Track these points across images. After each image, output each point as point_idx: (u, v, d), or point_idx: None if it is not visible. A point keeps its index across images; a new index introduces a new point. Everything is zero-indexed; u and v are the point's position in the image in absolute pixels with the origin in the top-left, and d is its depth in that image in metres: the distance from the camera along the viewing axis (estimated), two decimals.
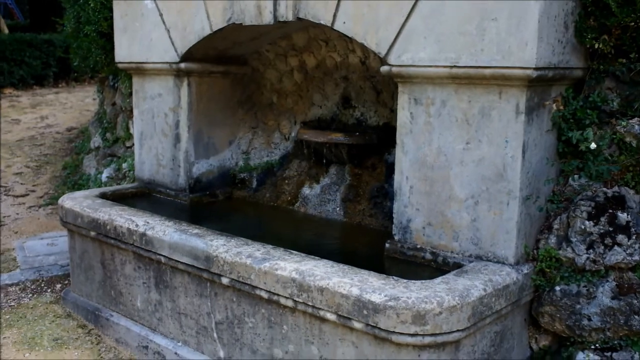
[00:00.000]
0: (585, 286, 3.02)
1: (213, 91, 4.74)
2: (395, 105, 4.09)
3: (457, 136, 3.15)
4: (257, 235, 3.84)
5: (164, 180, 4.83)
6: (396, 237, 3.47)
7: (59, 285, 4.92)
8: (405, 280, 2.80)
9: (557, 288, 3.07)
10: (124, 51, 4.89)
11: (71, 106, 13.74)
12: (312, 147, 4.48)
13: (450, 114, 3.16)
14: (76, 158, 8.30)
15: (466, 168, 3.14)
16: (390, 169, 4.20)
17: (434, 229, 3.30)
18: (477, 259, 3.14)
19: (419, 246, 3.36)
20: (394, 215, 3.48)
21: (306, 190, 4.54)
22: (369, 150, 4.26)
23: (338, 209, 4.31)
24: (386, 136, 4.25)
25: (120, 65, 5.01)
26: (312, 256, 3.12)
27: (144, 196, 4.86)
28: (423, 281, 2.80)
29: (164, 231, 3.62)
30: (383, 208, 4.11)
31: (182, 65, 4.46)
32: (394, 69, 3.28)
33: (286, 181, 4.70)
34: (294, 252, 3.19)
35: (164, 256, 3.60)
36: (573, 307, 3.02)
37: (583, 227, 3.04)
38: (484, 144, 3.07)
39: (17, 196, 7.28)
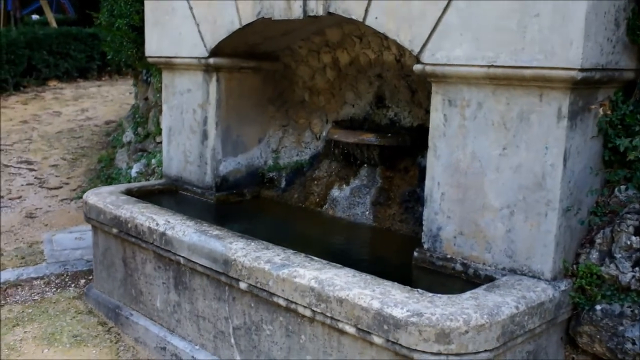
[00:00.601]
0: (629, 307, 2.78)
1: (243, 87, 4.61)
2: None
3: (493, 141, 2.95)
4: (282, 238, 3.71)
5: (191, 178, 4.73)
6: (425, 246, 3.28)
7: (82, 281, 4.86)
8: (430, 294, 2.61)
9: (598, 307, 2.84)
10: (154, 45, 4.80)
11: (112, 99, 13.86)
12: (342, 147, 4.31)
13: (487, 117, 2.96)
14: (112, 152, 8.30)
15: (502, 175, 2.93)
16: (423, 172, 3.98)
17: (465, 239, 3.10)
18: (511, 273, 2.94)
19: (449, 256, 3.17)
20: (423, 223, 3.29)
21: (335, 192, 4.37)
22: (401, 152, 4.08)
23: (367, 212, 4.14)
24: (420, 138, 4.04)
25: (150, 60, 4.93)
26: (334, 264, 2.96)
27: (170, 193, 4.76)
28: (450, 296, 2.61)
29: (183, 231, 3.50)
30: (414, 213, 3.92)
31: (211, 60, 4.34)
32: (428, 68, 3.10)
33: (315, 182, 4.54)
34: (315, 258, 3.03)
35: (182, 257, 3.49)
36: (615, 328, 2.79)
37: (629, 242, 2.80)
38: (522, 150, 2.86)
39: (51, 188, 7.30)
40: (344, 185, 4.37)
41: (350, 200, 4.25)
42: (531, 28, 2.71)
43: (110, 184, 6.77)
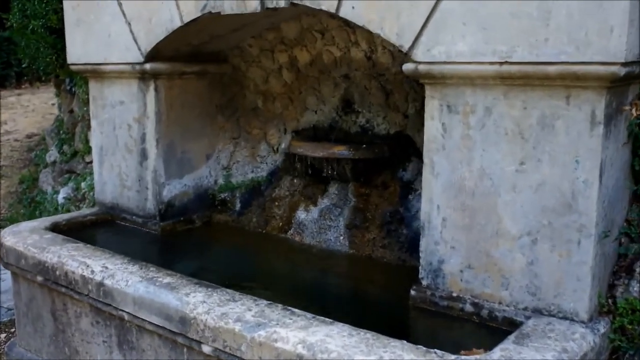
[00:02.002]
0: None
1: (186, 96, 3.97)
2: (410, 109, 3.37)
3: (507, 154, 2.42)
4: (245, 276, 3.18)
5: (130, 205, 4.05)
6: (424, 282, 2.73)
7: (3, 335, 4.12)
8: (453, 357, 2.06)
9: None
10: (78, 50, 4.09)
11: (33, 109, 12.80)
12: (306, 161, 3.73)
13: (498, 125, 2.43)
14: (34, 170, 7.44)
15: (520, 196, 2.41)
16: (405, 188, 3.46)
17: (475, 273, 2.57)
18: (535, 313, 2.42)
19: (455, 294, 2.63)
20: (421, 254, 2.74)
21: (301, 215, 3.78)
22: (378, 165, 3.52)
23: (342, 237, 3.56)
24: (399, 147, 3.51)
25: (73, 67, 4.22)
26: (321, 318, 2.37)
27: (106, 225, 4.07)
28: (478, 358, 2.07)
29: (126, 280, 2.85)
30: (398, 237, 3.38)
31: (148, 65, 3.69)
32: (422, 67, 2.54)
33: (276, 203, 3.94)
34: (296, 311, 2.44)
35: (127, 313, 2.83)
36: None
37: None
38: (544, 165, 2.34)
39: None
40: (311, 206, 3.78)
41: (320, 223, 3.67)
42: (557, 12, 2.18)
43: (34, 210, 5.98)
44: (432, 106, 2.61)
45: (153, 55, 3.67)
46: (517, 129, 2.39)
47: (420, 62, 2.55)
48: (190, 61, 3.89)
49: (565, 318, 2.37)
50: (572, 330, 2.29)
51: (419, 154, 3.45)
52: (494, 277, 2.52)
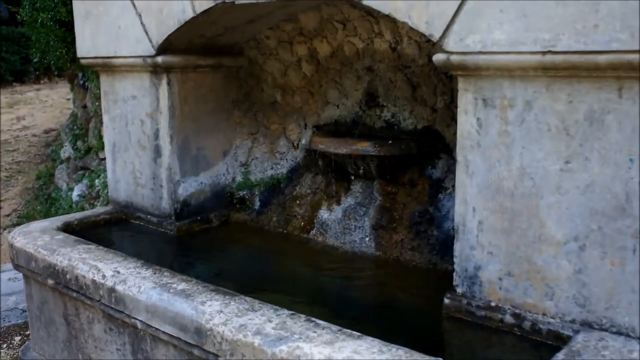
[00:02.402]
0: None
1: (201, 90, 3.78)
2: (438, 103, 3.16)
3: (550, 152, 2.21)
4: (265, 281, 3.01)
5: (144, 204, 3.88)
6: (459, 290, 2.53)
7: (18, 338, 3.99)
8: None
9: None
10: (87, 43, 3.92)
11: (52, 104, 12.74)
12: (330, 158, 3.53)
13: (540, 120, 2.21)
14: (51, 166, 7.32)
15: (566, 197, 2.20)
16: (435, 186, 3.25)
17: (516, 281, 2.36)
18: (585, 327, 2.21)
19: (494, 304, 2.43)
20: (455, 260, 2.54)
21: (324, 214, 3.59)
22: (405, 162, 3.31)
23: (367, 239, 3.37)
24: (427, 143, 3.30)
25: (83, 61, 4.05)
26: (348, 331, 2.18)
27: (120, 224, 3.91)
28: None
29: (139, 287, 2.67)
30: (428, 238, 3.17)
31: (159, 58, 3.50)
32: (454, 58, 2.33)
33: (297, 201, 3.75)
34: (320, 322, 2.25)
35: (140, 321, 2.66)
36: None
37: None
38: (593, 164, 2.12)
39: None
40: (335, 205, 3.59)
41: (344, 223, 3.48)
42: None
43: (50, 206, 5.85)
44: (466, 100, 2.40)
45: (165, 47, 3.49)
46: (561, 125, 2.18)
47: (452, 53, 2.34)
48: (204, 54, 3.71)
49: (619, 333, 2.16)
50: (629, 347, 2.07)
51: (448, 150, 3.25)
52: (537, 286, 2.32)
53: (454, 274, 2.56)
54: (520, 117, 2.26)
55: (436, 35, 2.36)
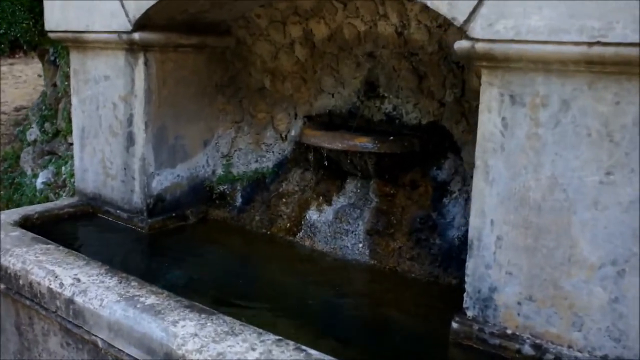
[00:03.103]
0: None
1: (182, 72, 3.43)
2: (447, 96, 2.85)
3: (588, 160, 1.90)
4: (245, 293, 2.71)
5: (114, 197, 3.52)
6: (470, 313, 2.22)
7: None
8: None
9: None
10: (57, 15, 3.54)
11: (25, 80, 12.22)
12: (322, 153, 3.20)
13: (577, 123, 1.90)
14: (19, 147, 6.89)
15: (604, 214, 1.89)
16: (439, 189, 2.94)
17: (537, 307, 2.06)
18: None
19: (510, 331, 2.12)
20: (467, 279, 2.23)
21: (313, 215, 3.26)
22: (407, 161, 2.99)
23: (361, 245, 3.05)
24: (432, 141, 2.98)
25: (52, 35, 3.66)
26: None
27: (86, 219, 3.55)
28: None
29: (101, 299, 2.33)
30: (430, 248, 2.86)
31: (136, 35, 3.14)
32: (480, 46, 2.00)
33: (284, 199, 3.41)
34: (312, 353, 1.93)
35: (101, 339, 2.31)
36: None
37: None
38: None
39: None
40: (325, 205, 3.26)
41: (336, 226, 3.15)
42: None
43: (14, 192, 5.45)
44: (490, 96, 2.07)
45: (143, 23, 3.13)
46: (604, 130, 1.87)
47: (478, 40, 2.02)
48: (187, 32, 3.35)
49: None
50: None
51: (456, 150, 2.94)
52: (563, 314, 2.01)
53: (465, 294, 2.25)
54: (554, 119, 1.95)
55: (460, 18, 2.04)
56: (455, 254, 2.80)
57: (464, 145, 2.92)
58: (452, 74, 2.93)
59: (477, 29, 2.01)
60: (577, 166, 1.93)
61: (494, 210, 2.12)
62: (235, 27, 3.61)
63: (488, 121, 2.09)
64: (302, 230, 3.27)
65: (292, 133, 3.55)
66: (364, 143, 2.90)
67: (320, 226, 3.21)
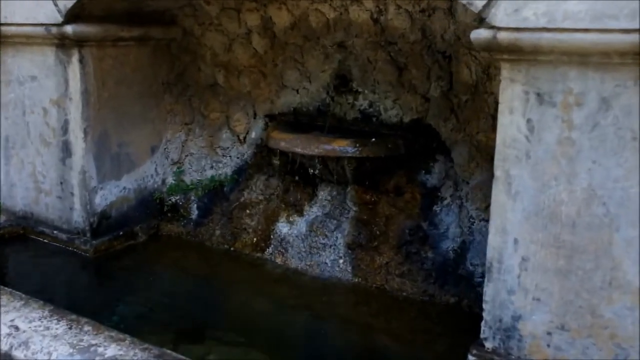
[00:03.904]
0: None
1: (123, 69, 3.02)
2: (433, 90, 2.57)
3: (633, 169, 1.65)
4: (209, 324, 2.40)
5: (49, 216, 3.09)
6: (489, 344, 1.95)
7: None
8: None
9: None
10: None
11: None
12: (288, 156, 2.86)
13: (620, 125, 1.65)
14: None
15: None
16: (429, 196, 2.67)
17: (572, 338, 1.81)
18: None
19: None
20: (485, 306, 1.95)
21: (283, 228, 2.93)
22: (390, 165, 2.69)
23: (342, 261, 2.74)
24: (418, 142, 2.69)
25: None
26: None
27: (17, 242, 3.11)
28: None
29: (49, 353, 1.94)
30: (422, 262, 2.58)
31: (69, 28, 2.72)
32: (504, 36, 1.71)
33: (247, 210, 3.06)
34: None
35: None
36: None
37: None
38: None
39: None
40: (296, 217, 2.93)
41: (311, 240, 2.83)
42: None
43: None
44: (512, 94, 1.79)
45: (76, 13, 2.71)
46: None
47: (500, 29, 1.72)
48: (128, 23, 2.94)
49: None
50: None
51: (445, 150, 2.66)
52: (603, 345, 1.76)
53: (483, 323, 1.97)
54: (591, 120, 1.68)
55: (478, 3, 1.74)
56: (452, 269, 2.53)
57: (454, 145, 2.65)
58: (438, 64, 2.64)
59: (499, 15, 1.71)
60: (620, 176, 1.67)
61: (518, 227, 1.85)
62: (182, 16, 3.21)
63: (510, 124, 1.81)
64: (272, 246, 2.92)
65: (253, 135, 3.20)
66: (343, 147, 2.59)
67: (292, 240, 2.88)
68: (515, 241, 1.86)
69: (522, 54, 1.73)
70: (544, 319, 1.84)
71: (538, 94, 1.75)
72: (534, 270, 1.84)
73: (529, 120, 1.78)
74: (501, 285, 1.90)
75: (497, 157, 1.86)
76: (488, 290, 1.94)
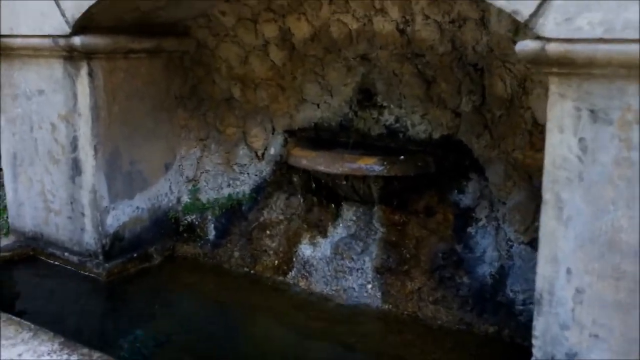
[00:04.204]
0: None
1: (134, 83, 2.91)
2: (464, 105, 2.44)
3: None
4: (231, 354, 2.28)
5: (59, 237, 2.96)
6: None
7: None
8: None
9: None
10: None
11: None
12: (310, 174, 2.72)
13: None
14: None
15: None
16: (462, 217, 2.52)
17: None
18: None
19: None
20: (534, 342, 1.81)
21: (306, 250, 2.79)
22: (420, 183, 2.55)
23: (370, 286, 2.59)
24: (448, 159, 2.54)
25: None
26: None
27: (27, 264, 3.00)
28: None
29: None
30: (457, 288, 2.43)
31: (77, 40, 2.61)
32: (554, 48, 1.58)
33: (267, 231, 2.93)
34: None
35: None
36: None
37: None
38: None
39: None
40: (319, 238, 2.79)
41: (336, 263, 2.69)
42: None
43: None
44: (562, 111, 1.64)
45: (85, 24, 2.59)
46: None
47: (550, 40, 1.57)
48: (139, 34, 2.82)
49: None
50: None
51: (478, 168, 2.51)
52: None
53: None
54: None
55: (524, 11, 1.59)
56: (490, 295, 2.38)
57: (488, 163, 2.50)
58: (469, 78, 2.50)
59: (549, 25, 1.57)
60: None
61: (571, 256, 1.70)
62: (195, 27, 3.09)
63: (560, 143, 1.66)
64: (294, 269, 2.78)
65: (272, 151, 3.06)
66: (370, 165, 2.44)
67: (316, 263, 2.73)
68: (568, 271, 1.71)
69: (574, 67, 1.58)
70: (603, 357, 1.69)
71: (592, 111, 1.60)
72: (590, 303, 1.69)
73: (581, 139, 1.63)
74: (553, 319, 1.75)
75: (545, 179, 1.71)
76: (538, 324, 1.79)
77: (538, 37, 1.60)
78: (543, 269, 1.76)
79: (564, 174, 1.67)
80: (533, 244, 2.41)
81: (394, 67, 2.67)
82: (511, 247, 2.43)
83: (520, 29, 2.27)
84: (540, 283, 1.77)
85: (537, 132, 2.35)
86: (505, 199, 2.46)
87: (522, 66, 2.32)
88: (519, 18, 1.62)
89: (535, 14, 1.59)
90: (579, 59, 1.55)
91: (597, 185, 1.63)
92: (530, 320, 2.37)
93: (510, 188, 2.44)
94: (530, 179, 2.40)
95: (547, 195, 1.72)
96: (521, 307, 2.34)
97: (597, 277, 1.67)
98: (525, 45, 1.63)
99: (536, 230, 2.41)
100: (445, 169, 2.53)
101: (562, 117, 1.65)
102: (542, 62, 1.63)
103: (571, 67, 1.59)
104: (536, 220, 2.41)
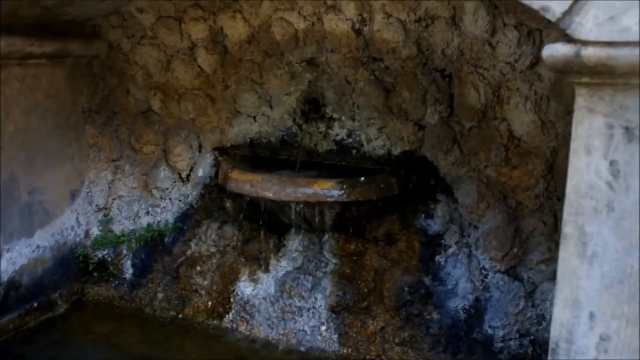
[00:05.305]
0: None
1: (34, 95, 2.53)
2: (429, 117, 2.23)
3: None
4: None
5: None
6: None
7: None
8: None
9: None
10: None
11: None
12: (246, 198, 2.40)
13: None
14: None
15: None
16: (429, 245, 2.30)
17: None
18: None
19: None
20: None
21: (246, 288, 2.48)
22: (379, 207, 2.29)
23: (324, 328, 2.31)
24: (410, 179, 2.30)
25: None
26: None
27: None
28: None
29: None
30: (427, 326, 2.21)
31: None
32: (592, 53, 1.35)
33: (197, 267, 2.58)
34: None
35: None
36: None
37: None
38: None
39: None
40: (260, 273, 2.48)
41: (282, 303, 2.38)
42: None
43: None
44: (591, 128, 1.42)
45: None
46: None
47: (588, 43, 1.34)
48: (39, 36, 2.44)
49: None
50: None
51: (446, 189, 2.28)
52: None
53: None
54: None
55: (556, 9, 1.36)
56: (464, 332, 2.18)
57: (456, 182, 2.29)
58: (435, 85, 2.27)
59: (587, 25, 1.34)
60: None
61: (595, 298, 1.48)
62: (107, 27, 2.71)
63: (586, 167, 1.43)
64: (232, 311, 2.46)
65: (199, 173, 2.71)
66: (327, 190, 2.17)
67: (258, 303, 2.42)
68: (592, 316, 1.49)
69: (611, 77, 1.36)
70: None
71: (627, 128, 1.38)
72: (618, 353, 1.47)
73: (612, 163, 1.41)
74: None
75: (567, 209, 1.48)
76: None
77: (573, 40, 1.36)
78: (561, 314, 1.52)
79: (591, 203, 1.44)
80: (511, 272, 2.22)
81: (347, 74, 2.42)
82: (486, 276, 2.23)
83: (497, 27, 2.07)
84: (556, 330, 1.54)
85: (513, 147, 2.17)
86: (477, 223, 2.25)
87: (497, 72, 2.12)
88: (549, 16, 1.38)
89: (569, 11, 1.35)
90: (620, 66, 1.33)
91: (629, 217, 1.41)
92: (512, 358, 2.17)
93: (483, 210, 2.24)
94: (505, 199, 2.20)
95: (567, 228, 1.48)
96: (501, 344, 2.16)
97: (627, 323, 1.45)
98: (556, 50, 1.38)
99: (515, 257, 2.23)
100: (409, 190, 2.28)
101: (590, 136, 1.42)
102: (573, 70, 1.39)
103: (607, 76, 1.36)
104: (515, 246, 2.22)
